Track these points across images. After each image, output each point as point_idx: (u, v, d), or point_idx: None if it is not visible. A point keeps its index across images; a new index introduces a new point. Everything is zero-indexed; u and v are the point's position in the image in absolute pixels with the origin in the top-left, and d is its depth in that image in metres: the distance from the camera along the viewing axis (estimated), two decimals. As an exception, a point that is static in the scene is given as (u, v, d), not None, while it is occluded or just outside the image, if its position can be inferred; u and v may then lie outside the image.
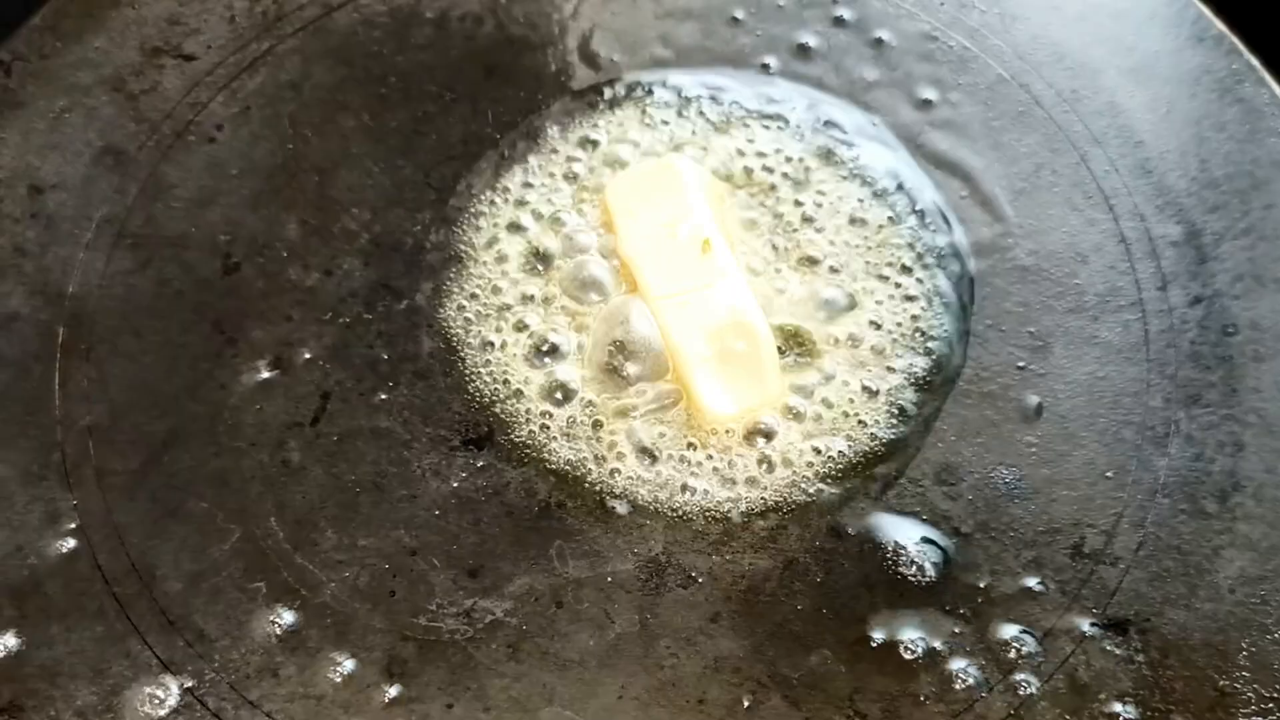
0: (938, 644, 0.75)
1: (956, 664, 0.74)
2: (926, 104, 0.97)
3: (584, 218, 0.91)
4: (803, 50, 1.00)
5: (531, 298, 0.88)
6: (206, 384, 0.86)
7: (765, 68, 1.00)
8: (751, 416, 0.82)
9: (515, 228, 0.91)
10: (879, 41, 1.01)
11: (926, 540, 0.79)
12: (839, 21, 1.02)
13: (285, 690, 0.74)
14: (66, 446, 0.82)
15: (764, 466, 0.81)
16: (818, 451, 0.82)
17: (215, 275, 0.90)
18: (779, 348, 0.84)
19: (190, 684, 0.74)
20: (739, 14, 1.02)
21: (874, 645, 0.75)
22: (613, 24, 1.02)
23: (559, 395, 0.84)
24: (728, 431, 0.82)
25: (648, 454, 0.82)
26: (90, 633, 0.76)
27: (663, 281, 0.86)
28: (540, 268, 0.89)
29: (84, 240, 0.91)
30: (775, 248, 0.90)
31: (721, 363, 0.82)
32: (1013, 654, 0.75)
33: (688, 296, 0.85)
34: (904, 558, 0.78)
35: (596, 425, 0.83)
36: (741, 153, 0.94)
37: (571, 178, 0.94)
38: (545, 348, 0.86)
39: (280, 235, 0.92)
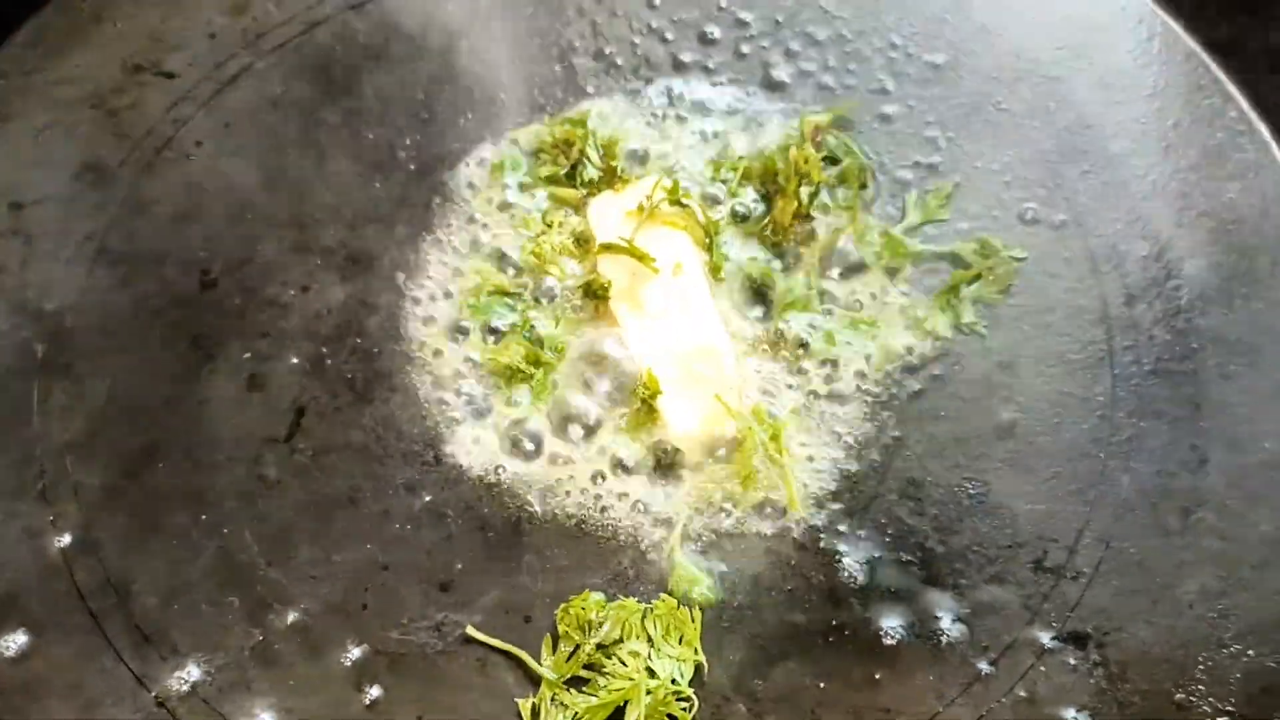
0: (901, 657, 0.76)
1: (919, 676, 0.75)
2: (897, 115, 0.98)
3: (559, 233, 0.92)
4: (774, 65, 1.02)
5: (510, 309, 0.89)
6: (184, 399, 0.87)
7: (772, 87, 1.01)
8: (714, 435, 0.83)
9: (491, 246, 0.92)
10: (847, 53, 1.01)
11: (891, 554, 0.80)
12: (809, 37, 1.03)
13: (259, 703, 0.75)
14: (45, 462, 0.84)
15: (732, 482, 0.82)
16: (784, 467, 0.83)
17: (193, 291, 0.91)
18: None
19: (165, 698, 0.75)
20: (713, 30, 1.03)
21: (838, 658, 0.76)
22: (596, 36, 1.03)
23: (530, 416, 0.85)
24: (697, 451, 0.83)
25: (618, 471, 0.83)
26: (66, 648, 0.77)
27: (636, 303, 0.87)
28: (516, 283, 0.90)
29: (64, 256, 0.92)
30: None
31: (687, 384, 0.84)
32: (974, 667, 0.75)
33: (658, 319, 0.86)
34: (869, 572, 0.79)
35: (569, 442, 0.84)
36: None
37: (553, 189, 0.95)
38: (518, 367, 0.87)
39: (258, 251, 0.93)
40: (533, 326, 0.88)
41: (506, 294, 0.90)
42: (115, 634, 0.77)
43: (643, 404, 0.83)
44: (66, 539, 0.81)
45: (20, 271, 0.91)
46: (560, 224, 0.92)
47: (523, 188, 0.95)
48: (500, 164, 0.96)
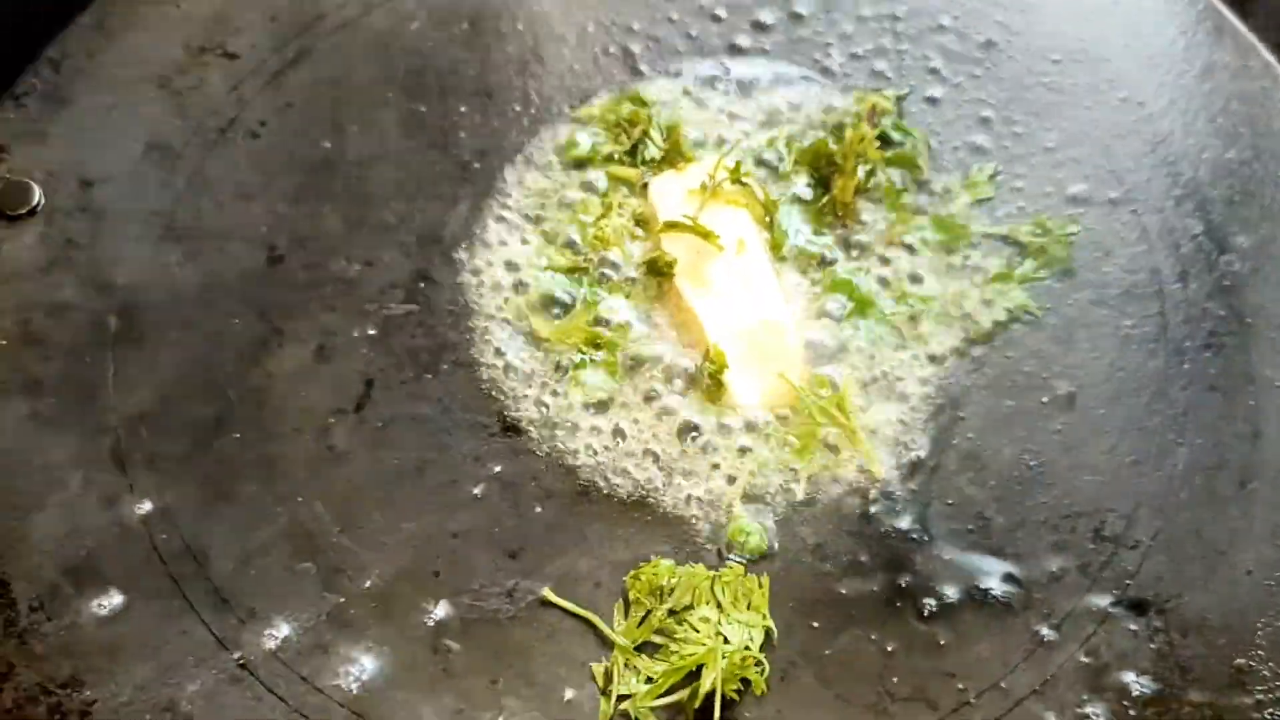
0: (965, 624, 0.78)
1: (983, 643, 0.77)
2: (946, 97, 0.99)
3: (620, 215, 0.94)
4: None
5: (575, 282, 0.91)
6: (253, 372, 0.89)
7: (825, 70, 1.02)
8: (778, 407, 0.85)
9: (553, 223, 0.94)
10: (898, 34, 1.03)
11: (951, 524, 0.81)
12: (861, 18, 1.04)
13: (335, 665, 0.76)
14: (120, 432, 0.85)
15: (797, 451, 0.84)
16: (846, 439, 0.84)
17: (260, 267, 0.93)
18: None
19: (246, 659, 0.77)
20: (765, 15, 1.05)
21: (902, 625, 0.78)
22: (652, 19, 1.05)
23: (600, 387, 0.87)
24: (763, 416, 0.85)
25: (685, 439, 0.84)
26: (148, 610, 0.78)
27: (699, 279, 0.88)
28: (579, 260, 0.92)
29: (132, 233, 0.94)
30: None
31: (749, 357, 0.85)
32: (1037, 633, 0.77)
33: (722, 295, 0.88)
34: (930, 541, 0.81)
35: (635, 413, 0.86)
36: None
37: (612, 169, 0.96)
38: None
39: (322, 228, 0.95)
40: (597, 304, 0.89)
41: (571, 270, 0.91)
42: (196, 597, 0.79)
43: (709, 378, 0.85)
44: (144, 506, 0.82)
45: (91, 247, 0.93)
46: (620, 205, 0.94)
47: (581, 164, 0.96)
48: (570, 142, 0.97)
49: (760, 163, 0.96)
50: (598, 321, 0.89)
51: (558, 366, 0.88)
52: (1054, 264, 0.91)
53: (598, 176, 0.96)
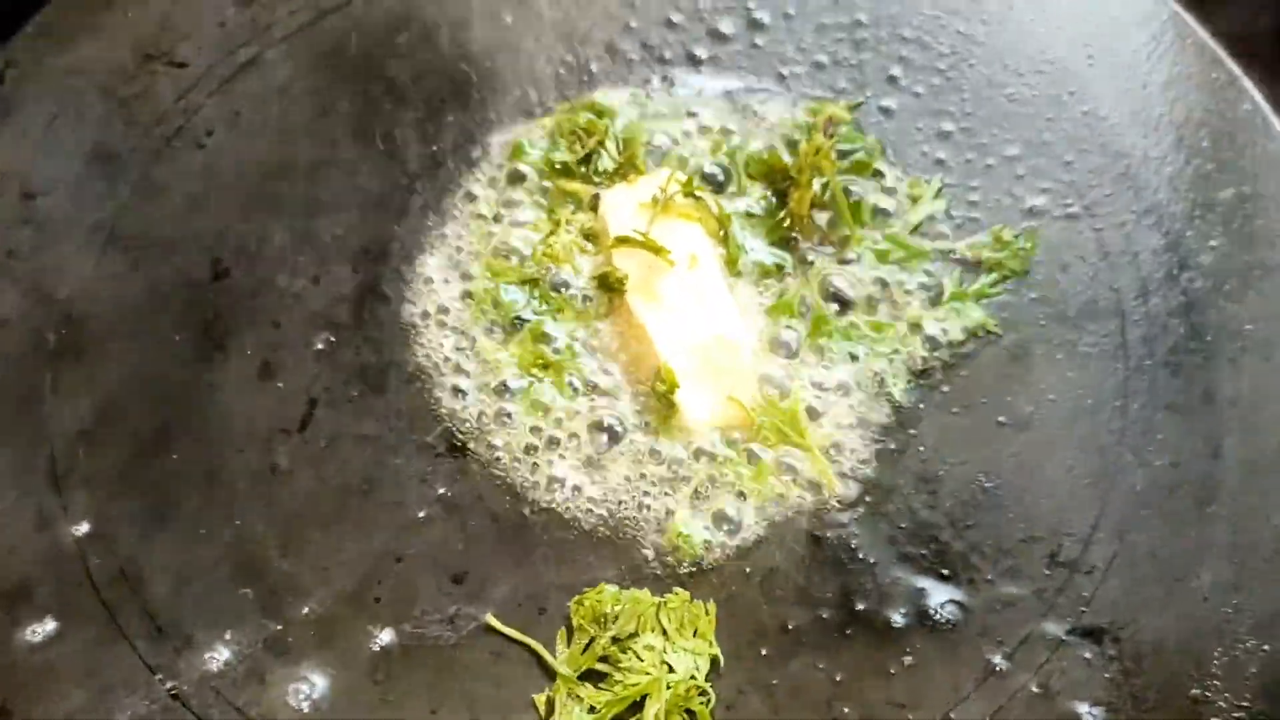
0: (914, 651, 0.76)
1: (934, 670, 0.75)
2: (904, 106, 0.98)
3: (568, 231, 0.92)
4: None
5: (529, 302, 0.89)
6: (196, 388, 0.87)
7: (782, 79, 1.01)
8: (729, 426, 0.83)
9: (502, 238, 0.92)
10: (858, 43, 1.01)
11: (905, 548, 0.79)
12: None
13: (272, 694, 0.75)
14: (56, 449, 0.83)
15: (748, 475, 0.82)
16: (797, 460, 0.83)
17: (205, 280, 0.91)
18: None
19: (178, 689, 0.75)
20: (725, 25, 1.03)
21: (852, 652, 0.76)
22: (609, 27, 1.03)
23: (548, 407, 0.85)
24: (709, 438, 0.83)
25: (634, 459, 0.83)
26: (80, 637, 0.77)
27: (651, 295, 0.87)
28: (529, 273, 0.90)
29: (75, 244, 0.92)
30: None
31: (702, 374, 0.83)
32: (988, 661, 0.75)
33: (674, 311, 0.86)
34: (883, 566, 0.79)
35: (582, 433, 0.84)
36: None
37: (560, 182, 0.94)
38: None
39: (270, 240, 0.93)
40: (546, 322, 0.88)
41: (520, 284, 0.89)
42: (129, 623, 0.77)
43: (660, 398, 0.83)
44: (79, 527, 0.80)
45: (32, 258, 0.91)
46: (569, 220, 0.92)
47: (531, 176, 0.95)
48: (521, 151, 0.95)
49: (712, 177, 0.94)
50: (547, 340, 0.87)
51: (506, 386, 0.86)
52: (1011, 278, 0.89)
53: (548, 188, 0.94)
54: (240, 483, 0.83)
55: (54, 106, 0.98)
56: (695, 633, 0.75)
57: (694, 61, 1.01)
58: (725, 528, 0.80)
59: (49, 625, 0.77)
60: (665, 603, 0.76)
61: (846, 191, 0.92)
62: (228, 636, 0.77)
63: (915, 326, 0.88)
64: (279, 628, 0.77)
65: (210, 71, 1.00)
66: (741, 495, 0.81)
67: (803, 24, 1.03)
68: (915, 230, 0.92)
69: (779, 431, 0.82)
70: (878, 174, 0.94)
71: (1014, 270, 0.90)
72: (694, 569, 0.79)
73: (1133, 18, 1.01)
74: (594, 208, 0.93)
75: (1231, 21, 0.99)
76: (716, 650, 0.75)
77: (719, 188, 0.94)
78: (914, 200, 0.93)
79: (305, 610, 0.78)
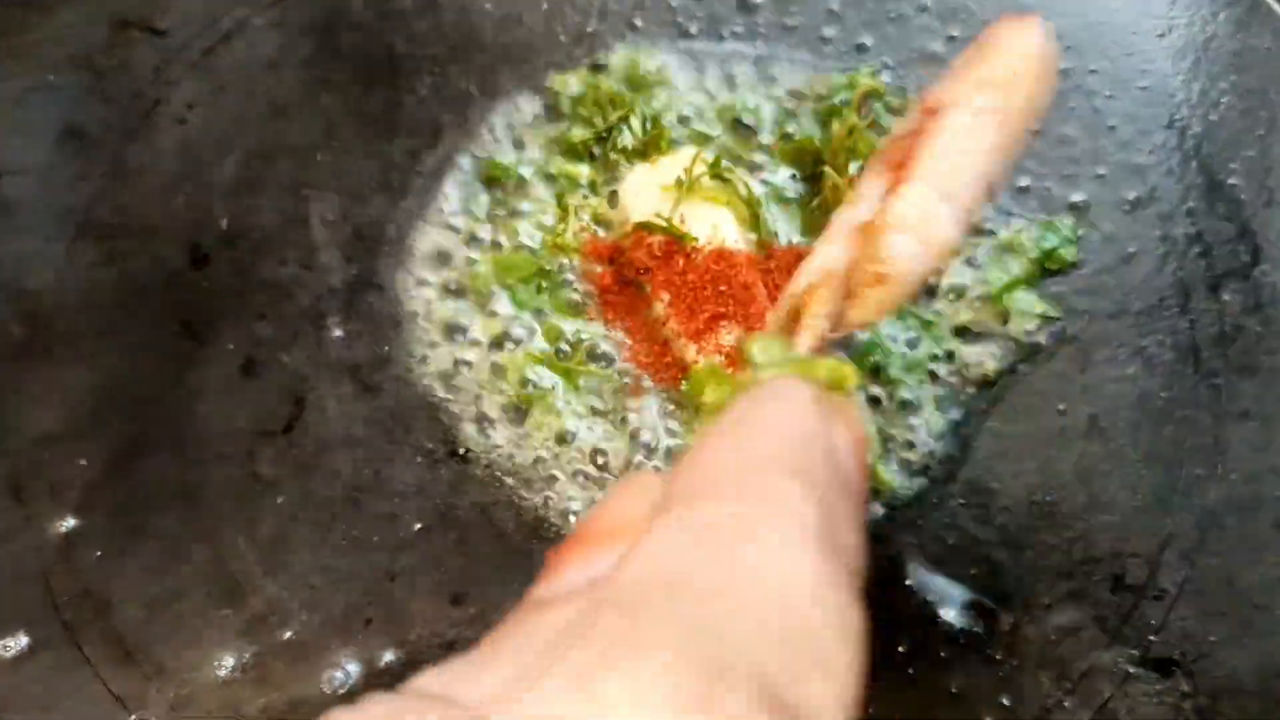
0: (964, 681, 0.69)
1: (983, 705, 0.68)
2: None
3: (578, 219, 0.85)
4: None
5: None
6: (173, 388, 0.80)
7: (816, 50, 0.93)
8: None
9: (511, 223, 0.85)
10: (901, 16, 0.94)
11: (955, 569, 0.72)
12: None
13: (250, 730, 0.68)
14: (19, 456, 0.76)
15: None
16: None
17: (184, 269, 0.84)
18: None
19: (145, 722, 0.68)
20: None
21: (898, 686, 0.69)
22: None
23: (558, 412, 0.78)
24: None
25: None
26: (39, 663, 0.70)
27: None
28: (539, 261, 0.83)
29: (44, 231, 0.85)
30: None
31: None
32: (1048, 696, 0.68)
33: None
34: (926, 586, 0.72)
35: (596, 440, 0.77)
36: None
37: (566, 169, 0.87)
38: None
39: (255, 225, 0.86)
40: (558, 316, 0.81)
41: (528, 280, 0.82)
42: (93, 649, 0.70)
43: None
44: (43, 542, 0.74)
45: (-5, 247, 0.84)
46: (578, 209, 0.84)
47: (543, 153, 0.87)
48: (532, 128, 0.88)
49: (742, 157, 0.87)
50: (558, 337, 0.80)
51: (513, 387, 0.79)
52: (1063, 270, 0.82)
53: (559, 167, 0.87)
54: (220, 492, 0.76)
55: (26, 80, 0.91)
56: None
57: (719, 31, 0.93)
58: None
59: (10, 651, 0.70)
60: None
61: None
62: (201, 664, 0.70)
63: (963, 317, 0.80)
64: (259, 653, 0.70)
65: (191, 41, 0.93)
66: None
67: (835, -8, 0.95)
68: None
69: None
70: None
71: (1065, 261, 0.82)
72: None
73: (1201, -6, 0.93)
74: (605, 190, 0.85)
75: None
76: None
77: (749, 169, 0.86)
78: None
79: (288, 635, 0.71)
